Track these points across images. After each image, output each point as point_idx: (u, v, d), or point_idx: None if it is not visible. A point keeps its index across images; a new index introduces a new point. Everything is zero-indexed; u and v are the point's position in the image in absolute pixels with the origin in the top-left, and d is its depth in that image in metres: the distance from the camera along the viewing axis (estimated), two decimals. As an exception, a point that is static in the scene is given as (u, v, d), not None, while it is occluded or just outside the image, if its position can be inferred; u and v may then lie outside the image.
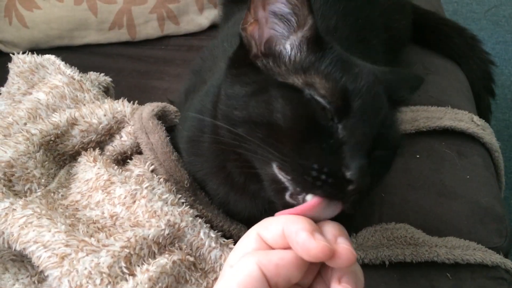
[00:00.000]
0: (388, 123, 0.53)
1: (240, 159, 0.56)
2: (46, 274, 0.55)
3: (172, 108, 0.79)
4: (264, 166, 0.51)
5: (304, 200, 0.47)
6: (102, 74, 0.88)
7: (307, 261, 0.40)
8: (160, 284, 0.55)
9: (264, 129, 0.50)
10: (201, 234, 0.62)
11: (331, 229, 0.42)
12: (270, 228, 0.42)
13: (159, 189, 0.66)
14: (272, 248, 0.42)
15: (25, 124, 0.73)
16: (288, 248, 0.41)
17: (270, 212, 0.57)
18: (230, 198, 0.66)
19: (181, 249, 0.60)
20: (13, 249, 0.58)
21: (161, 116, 0.76)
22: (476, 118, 0.96)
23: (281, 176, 0.49)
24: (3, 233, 0.58)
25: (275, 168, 0.49)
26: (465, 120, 0.94)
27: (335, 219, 0.47)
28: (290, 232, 0.40)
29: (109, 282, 0.53)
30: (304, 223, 0.41)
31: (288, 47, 0.54)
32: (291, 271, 0.39)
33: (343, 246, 0.40)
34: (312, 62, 0.52)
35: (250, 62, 0.56)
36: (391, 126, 0.54)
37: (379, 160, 0.51)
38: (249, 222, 0.68)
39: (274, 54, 0.55)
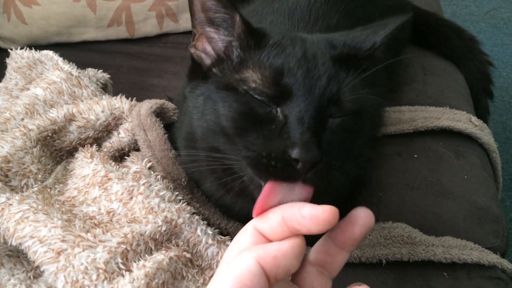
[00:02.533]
0: (338, 88, 0.51)
1: (219, 163, 0.57)
2: (42, 269, 0.55)
3: (170, 105, 0.78)
4: (238, 165, 0.53)
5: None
6: (100, 70, 0.88)
7: (303, 249, 0.41)
8: (156, 280, 0.54)
9: (221, 134, 0.53)
10: (198, 231, 0.62)
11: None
12: (267, 218, 0.42)
13: (156, 186, 0.65)
14: (269, 240, 0.42)
15: (23, 119, 0.73)
16: (285, 238, 0.41)
17: None
18: (226, 200, 0.66)
19: (178, 245, 0.60)
20: (8, 244, 0.58)
21: (160, 113, 0.76)
22: (474, 118, 0.96)
23: (250, 170, 0.50)
24: (-1, 228, 0.58)
25: (246, 165, 0.51)
26: (463, 120, 0.94)
27: None
28: (292, 213, 0.40)
29: (106, 278, 0.53)
30: (300, 203, 0.41)
31: (233, 49, 0.56)
32: (290, 261, 0.39)
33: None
34: (247, 56, 0.54)
35: (203, 75, 0.58)
36: (344, 89, 0.52)
37: (338, 127, 0.51)
38: (247, 221, 0.68)
39: (225, 58, 0.57)
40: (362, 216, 0.41)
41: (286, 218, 0.40)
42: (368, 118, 0.56)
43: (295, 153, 0.45)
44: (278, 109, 0.50)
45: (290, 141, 0.46)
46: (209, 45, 0.58)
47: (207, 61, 0.58)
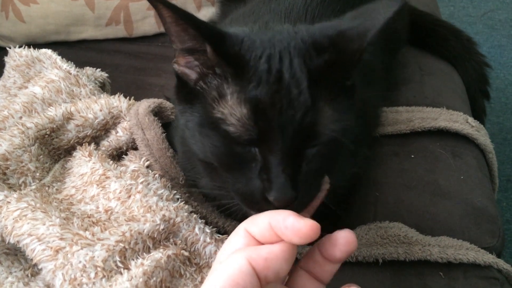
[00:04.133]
0: (314, 119, 0.50)
1: (211, 177, 0.59)
2: (40, 267, 0.55)
3: (168, 104, 0.79)
4: (227, 185, 0.54)
5: None
6: (99, 69, 0.88)
7: (294, 253, 0.41)
8: (154, 278, 0.55)
9: (206, 162, 0.55)
10: (196, 229, 0.62)
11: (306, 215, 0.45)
12: (256, 222, 0.43)
13: (154, 185, 0.66)
14: (260, 243, 0.42)
15: (21, 117, 0.73)
16: (274, 242, 0.42)
17: None
18: (221, 200, 0.66)
19: (176, 244, 0.60)
20: (6, 242, 0.58)
21: (158, 113, 0.76)
22: (470, 119, 0.97)
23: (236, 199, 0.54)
24: (-3, 225, 0.58)
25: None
26: (460, 121, 0.95)
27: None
28: (277, 221, 0.41)
29: (104, 276, 0.53)
30: (288, 212, 0.42)
31: (209, 76, 0.54)
32: (280, 264, 0.40)
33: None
34: (225, 88, 0.52)
35: (188, 96, 0.56)
36: (321, 120, 0.50)
37: (316, 155, 0.51)
38: (243, 220, 0.68)
39: (206, 76, 0.54)
40: (343, 241, 0.43)
41: (272, 224, 0.41)
42: (349, 135, 0.54)
43: (271, 195, 0.48)
44: (257, 150, 0.50)
45: (267, 184, 0.49)
46: (193, 60, 0.55)
47: (193, 75, 0.55)
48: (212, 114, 0.52)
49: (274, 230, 0.41)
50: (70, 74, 0.80)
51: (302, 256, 0.46)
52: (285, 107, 0.49)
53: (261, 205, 0.49)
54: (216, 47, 0.51)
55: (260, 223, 0.42)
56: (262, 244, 0.42)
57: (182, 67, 0.56)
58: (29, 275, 0.59)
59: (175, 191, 0.67)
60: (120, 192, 0.64)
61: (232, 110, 0.50)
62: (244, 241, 0.42)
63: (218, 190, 0.59)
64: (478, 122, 0.98)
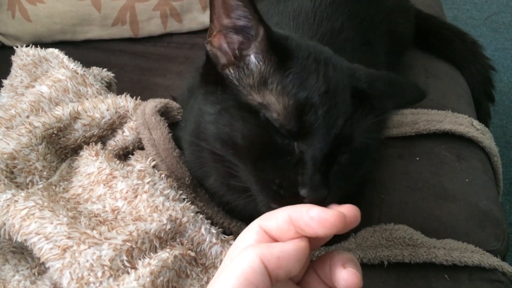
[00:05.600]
0: (352, 126, 0.52)
1: (225, 168, 0.58)
2: (47, 265, 0.55)
3: (175, 104, 0.79)
4: (244, 175, 0.54)
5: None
6: (105, 69, 0.88)
7: (306, 253, 0.41)
8: (161, 278, 0.55)
9: (232, 147, 0.53)
10: (202, 230, 0.62)
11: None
12: (274, 217, 0.42)
13: (160, 185, 0.66)
14: (274, 239, 0.42)
15: (28, 116, 0.73)
16: (290, 238, 0.41)
17: None
18: (230, 199, 0.67)
19: (182, 244, 0.61)
20: (13, 241, 0.58)
21: (164, 113, 0.76)
22: (476, 122, 0.97)
23: (255, 191, 0.52)
24: (4, 224, 0.58)
25: (251, 183, 0.53)
26: (465, 124, 0.95)
27: None
28: (300, 214, 0.40)
29: (111, 275, 0.53)
30: (309, 204, 0.41)
31: (251, 56, 0.54)
32: (292, 263, 0.40)
33: (347, 206, 0.42)
34: (269, 75, 0.52)
35: (216, 79, 0.56)
36: (356, 128, 0.53)
37: (344, 165, 0.53)
38: (250, 221, 0.68)
39: (243, 61, 0.55)
40: (344, 283, 0.42)
41: (293, 217, 0.41)
42: (373, 145, 0.58)
43: (303, 192, 0.47)
44: (295, 143, 0.50)
45: (302, 178, 0.48)
46: (226, 44, 0.56)
47: (223, 60, 0.56)
48: (247, 100, 0.52)
49: (294, 224, 0.40)
50: (77, 73, 0.80)
51: (316, 258, 0.46)
52: (331, 109, 0.50)
53: (286, 199, 0.48)
54: (268, 32, 0.52)
55: (279, 217, 0.42)
56: (276, 240, 0.42)
57: (215, 49, 0.56)
58: (36, 273, 0.59)
59: (181, 191, 0.67)
60: (126, 192, 0.64)
61: (277, 99, 0.50)
62: (256, 238, 0.42)
63: (229, 186, 0.59)
64: (483, 125, 0.98)
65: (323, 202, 0.47)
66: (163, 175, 0.68)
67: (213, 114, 0.55)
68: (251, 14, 0.52)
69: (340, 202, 0.58)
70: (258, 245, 0.41)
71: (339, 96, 0.52)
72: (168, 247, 0.59)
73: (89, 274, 0.53)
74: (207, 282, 0.59)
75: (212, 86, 0.56)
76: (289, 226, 0.41)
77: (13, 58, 0.84)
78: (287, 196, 0.48)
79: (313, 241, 0.43)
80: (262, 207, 0.53)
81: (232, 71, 0.55)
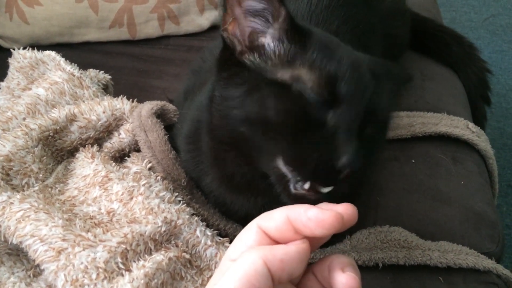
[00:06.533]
0: (376, 99, 0.53)
1: (241, 158, 0.57)
2: (42, 268, 0.55)
3: (171, 107, 0.79)
4: (268, 161, 0.53)
5: (303, 188, 0.50)
6: (102, 71, 0.88)
7: (308, 254, 0.41)
8: (155, 280, 0.55)
9: (262, 126, 0.52)
10: (197, 232, 0.62)
11: (324, 206, 0.43)
12: (272, 217, 0.42)
13: (156, 187, 0.66)
14: (272, 239, 0.42)
15: (24, 119, 0.73)
16: (289, 239, 0.41)
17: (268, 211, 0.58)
18: (226, 197, 0.67)
19: (177, 246, 0.61)
20: (9, 243, 0.59)
21: (160, 115, 0.76)
22: (471, 125, 0.97)
23: (284, 169, 0.51)
24: (0, 226, 0.58)
25: (280, 162, 0.51)
26: (460, 126, 0.95)
27: None
28: (298, 214, 0.40)
29: (105, 277, 0.54)
30: (307, 205, 0.41)
31: (269, 40, 0.55)
32: (295, 265, 0.40)
33: (343, 205, 0.41)
34: (295, 53, 0.53)
35: (238, 62, 0.56)
36: (379, 100, 0.54)
37: (370, 138, 0.53)
38: (245, 221, 0.68)
39: (258, 48, 0.55)
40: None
41: (291, 218, 0.40)
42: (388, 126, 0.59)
43: (341, 164, 0.47)
44: (329, 114, 0.50)
45: (338, 150, 0.48)
46: (239, 31, 0.56)
47: (239, 47, 0.56)
48: (276, 77, 0.52)
49: (293, 224, 0.40)
50: (74, 76, 0.81)
51: (314, 260, 0.46)
52: (359, 81, 0.52)
53: (321, 172, 0.48)
54: (289, 13, 0.54)
55: (277, 218, 0.41)
56: (274, 240, 0.42)
57: (231, 36, 0.57)
58: (31, 275, 0.59)
59: (177, 193, 0.67)
60: (122, 194, 0.64)
61: (308, 71, 0.51)
62: (256, 238, 0.42)
63: (231, 183, 0.60)
64: (479, 127, 0.99)
65: (354, 171, 0.48)
66: (159, 177, 0.68)
67: (239, 97, 0.54)
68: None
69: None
70: (261, 247, 0.40)
71: (364, 70, 0.54)
72: (163, 249, 0.59)
73: (83, 276, 0.53)
74: (201, 284, 0.59)
75: (234, 69, 0.56)
76: (288, 226, 0.41)
77: (10, 60, 0.84)
78: (325, 169, 0.48)
79: (311, 242, 0.43)
80: (282, 191, 0.53)
81: (250, 56, 0.56)
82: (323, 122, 0.50)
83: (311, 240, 0.42)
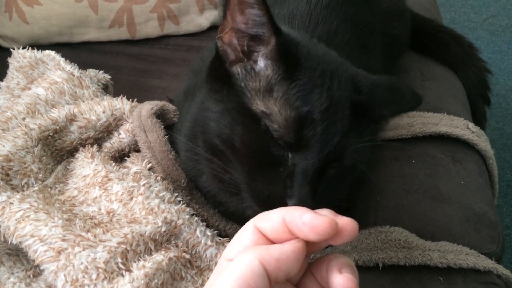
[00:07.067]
0: (345, 143, 0.53)
1: (220, 165, 0.58)
2: (42, 268, 0.55)
3: (171, 107, 0.79)
4: (239, 176, 0.55)
5: None
6: (102, 71, 0.88)
7: (304, 254, 0.41)
8: (156, 280, 0.55)
9: (230, 148, 0.54)
10: (197, 232, 0.62)
11: (325, 211, 0.43)
12: (269, 218, 0.42)
13: (156, 187, 0.66)
14: (269, 239, 0.42)
15: (24, 119, 0.73)
16: (285, 239, 0.41)
17: None
18: (222, 199, 0.67)
19: (177, 246, 0.61)
20: (9, 243, 0.59)
21: (160, 115, 0.76)
22: (471, 125, 0.97)
23: (246, 193, 0.54)
24: (0, 226, 0.58)
25: (243, 185, 0.54)
26: (460, 126, 0.95)
27: None
28: (293, 217, 0.40)
29: (105, 277, 0.53)
30: (304, 208, 0.41)
31: (260, 57, 0.55)
32: (291, 264, 0.40)
33: (346, 218, 0.41)
34: (275, 82, 0.53)
35: (223, 76, 0.56)
36: (349, 145, 0.54)
37: (334, 175, 0.54)
38: (243, 222, 0.68)
39: (251, 59, 0.56)
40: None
41: (286, 220, 0.41)
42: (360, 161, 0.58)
43: (291, 203, 0.49)
44: (290, 155, 0.51)
45: (290, 190, 0.50)
46: (236, 41, 0.56)
47: (232, 56, 0.57)
48: (251, 106, 0.53)
49: (288, 226, 0.40)
50: (73, 75, 0.80)
51: (313, 260, 0.46)
52: (329, 127, 0.51)
53: (273, 207, 0.49)
54: (280, 42, 0.53)
55: (274, 219, 0.41)
56: (271, 241, 0.42)
57: (225, 45, 0.57)
58: (31, 275, 0.59)
59: (177, 194, 0.67)
60: (122, 194, 0.64)
61: (280, 109, 0.51)
62: (253, 238, 0.42)
63: (220, 183, 0.60)
64: (479, 127, 0.99)
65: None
66: (158, 178, 0.68)
67: (216, 113, 0.56)
68: (266, 18, 0.52)
69: (335, 204, 0.58)
70: (257, 248, 0.41)
71: (339, 113, 0.53)
72: (163, 249, 0.59)
73: (83, 277, 0.53)
74: (202, 285, 0.59)
75: (218, 84, 0.57)
76: (284, 228, 0.41)
77: (9, 60, 0.84)
78: (275, 206, 0.49)
79: (310, 244, 0.43)
80: (249, 209, 0.55)
81: (239, 69, 0.56)
82: (282, 161, 0.51)
83: (310, 242, 0.42)
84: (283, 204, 0.50)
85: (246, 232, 0.42)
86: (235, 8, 0.54)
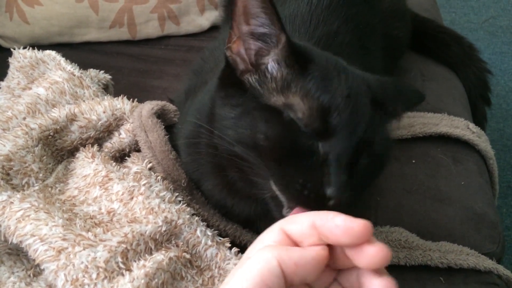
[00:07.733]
0: (373, 130, 0.53)
1: (239, 171, 0.57)
2: (42, 267, 0.55)
3: (171, 107, 0.79)
4: (262, 181, 0.54)
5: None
6: (102, 71, 0.88)
7: (324, 263, 0.40)
8: (156, 280, 0.55)
9: (254, 149, 0.53)
10: (198, 232, 0.62)
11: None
12: (298, 220, 0.41)
13: (156, 187, 0.66)
14: (294, 242, 0.41)
15: (24, 118, 0.73)
16: (311, 244, 0.40)
17: (268, 216, 0.58)
18: (227, 201, 0.67)
19: (177, 246, 0.61)
20: (9, 242, 0.59)
21: (161, 115, 0.76)
22: (471, 125, 0.97)
23: (277, 191, 0.52)
24: (0, 225, 0.58)
25: (272, 185, 0.52)
26: (460, 127, 0.95)
27: None
28: (325, 220, 0.39)
29: (106, 277, 0.53)
30: (334, 212, 0.40)
31: (271, 62, 0.55)
32: (309, 271, 0.39)
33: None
34: (292, 79, 0.53)
35: (236, 82, 0.56)
36: (376, 132, 0.54)
37: (364, 169, 0.53)
38: (245, 224, 0.69)
39: (261, 67, 0.56)
40: None
41: (317, 224, 0.39)
42: (388, 156, 0.59)
43: (330, 191, 0.48)
44: (320, 144, 0.50)
45: (327, 178, 0.48)
46: (244, 51, 0.57)
47: (241, 66, 0.57)
48: (271, 102, 0.53)
49: (318, 230, 0.39)
50: (74, 75, 0.80)
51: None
52: (353, 113, 0.51)
53: (310, 200, 0.48)
54: (289, 40, 0.53)
55: (303, 222, 0.40)
56: (296, 245, 0.41)
57: (234, 55, 0.57)
58: (31, 275, 0.59)
59: (177, 194, 0.67)
60: (122, 194, 0.64)
61: (302, 99, 0.51)
62: (276, 239, 0.41)
63: (233, 190, 0.60)
64: (479, 128, 0.99)
65: (344, 206, 0.47)
66: (159, 177, 0.68)
67: (233, 118, 0.55)
68: (273, 22, 0.53)
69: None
70: (277, 247, 0.40)
71: (360, 101, 0.53)
72: (163, 249, 0.59)
73: (83, 276, 0.53)
74: (202, 284, 0.59)
75: (233, 88, 0.57)
76: (312, 231, 0.40)
77: (10, 60, 0.84)
78: (312, 197, 0.48)
79: (338, 260, 0.41)
80: (275, 212, 0.54)
81: (251, 76, 0.56)
82: (313, 151, 0.50)
83: (338, 258, 0.41)
84: (321, 194, 0.48)
85: (271, 233, 0.41)
86: (241, 17, 0.54)
